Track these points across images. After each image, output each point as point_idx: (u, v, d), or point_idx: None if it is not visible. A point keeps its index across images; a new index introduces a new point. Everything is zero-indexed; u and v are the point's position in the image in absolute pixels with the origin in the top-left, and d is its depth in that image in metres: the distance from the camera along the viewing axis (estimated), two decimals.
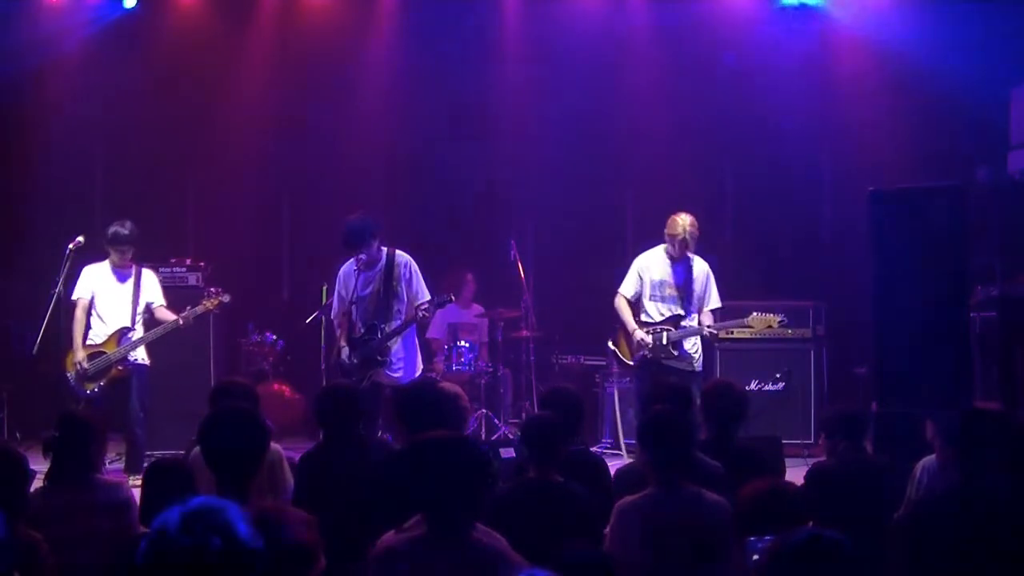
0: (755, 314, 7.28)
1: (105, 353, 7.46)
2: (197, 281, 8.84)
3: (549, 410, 4.70)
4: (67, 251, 7.45)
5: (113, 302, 7.58)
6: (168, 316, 7.68)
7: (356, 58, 10.11)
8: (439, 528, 3.18)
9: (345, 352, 7.18)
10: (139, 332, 7.58)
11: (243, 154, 10.07)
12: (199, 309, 7.58)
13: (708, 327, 7.26)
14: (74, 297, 7.56)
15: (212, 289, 7.90)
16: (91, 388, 7.45)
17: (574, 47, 9.87)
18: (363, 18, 10.20)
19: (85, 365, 7.43)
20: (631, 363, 7.48)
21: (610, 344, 7.72)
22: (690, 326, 7.30)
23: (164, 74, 9.90)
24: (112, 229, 7.55)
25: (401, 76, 10.18)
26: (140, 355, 7.61)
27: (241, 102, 9.97)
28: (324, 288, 8.57)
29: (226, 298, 7.62)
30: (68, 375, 7.50)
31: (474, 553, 3.14)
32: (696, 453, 4.55)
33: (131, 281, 7.62)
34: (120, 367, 7.47)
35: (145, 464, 7.47)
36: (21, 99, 9.70)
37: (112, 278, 7.62)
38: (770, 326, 7.28)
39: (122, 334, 7.48)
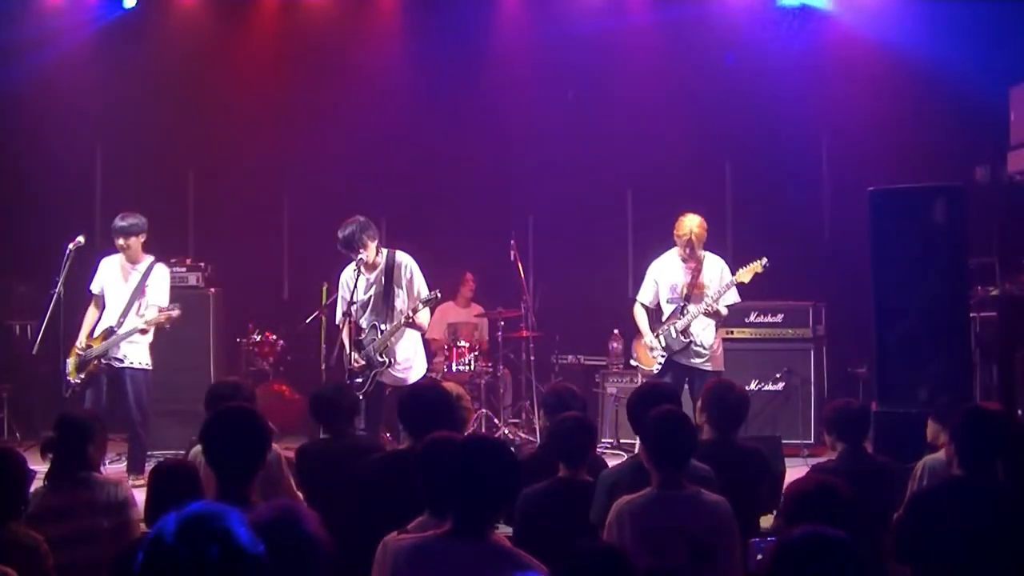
0: (740, 269, 7.24)
1: (91, 347, 7.44)
2: (197, 281, 8.85)
3: (555, 410, 4.75)
4: (67, 251, 7.43)
5: (114, 296, 7.54)
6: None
7: (356, 58, 10.11)
8: (465, 527, 3.19)
9: (352, 355, 7.18)
10: (124, 331, 7.48)
11: (243, 154, 10.08)
12: (152, 321, 7.44)
13: (705, 303, 7.23)
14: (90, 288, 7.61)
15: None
16: (74, 379, 7.42)
17: (574, 46, 9.87)
18: (363, 18, 10.20)
19: (81, 353, 7.41)
20: (654, 369, 7.46)
21: (632, 361, 7.78)
22: (692, 312, 7.27)
23: (164, 74, 9.90)
24: (114, 221, 7.55)
25: (401, 76, 10.18)
26: (137, 358, 7.48)
27: (241, 102, 9.97)
28: (324, 288, 8.57)
29: (175, 312, 7.48)
30: (68, 361, 7.47)
31: (496, 553, 3.17)
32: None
33: (137, 277, 7.55)
34: (96, 363, 7.41)
35: (148, 465, 7.52)
36: (21, 99, 9.70)
37: (119, 272, 7.58)
38: (757, 271, 7.20)
39: (108, 333, 7.46)
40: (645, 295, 7.55)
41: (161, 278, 7.64)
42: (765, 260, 7.16)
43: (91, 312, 7.58)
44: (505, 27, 10.23)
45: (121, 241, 7.49)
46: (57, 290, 7.48)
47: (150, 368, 7.59)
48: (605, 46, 9.95)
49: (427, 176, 10.37)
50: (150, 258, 7.63)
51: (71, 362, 7.46)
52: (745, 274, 7.21)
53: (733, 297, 7.37)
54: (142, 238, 7.57)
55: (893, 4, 9.35)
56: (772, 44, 9.55)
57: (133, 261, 7.57)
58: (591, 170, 10.13)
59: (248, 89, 10.01)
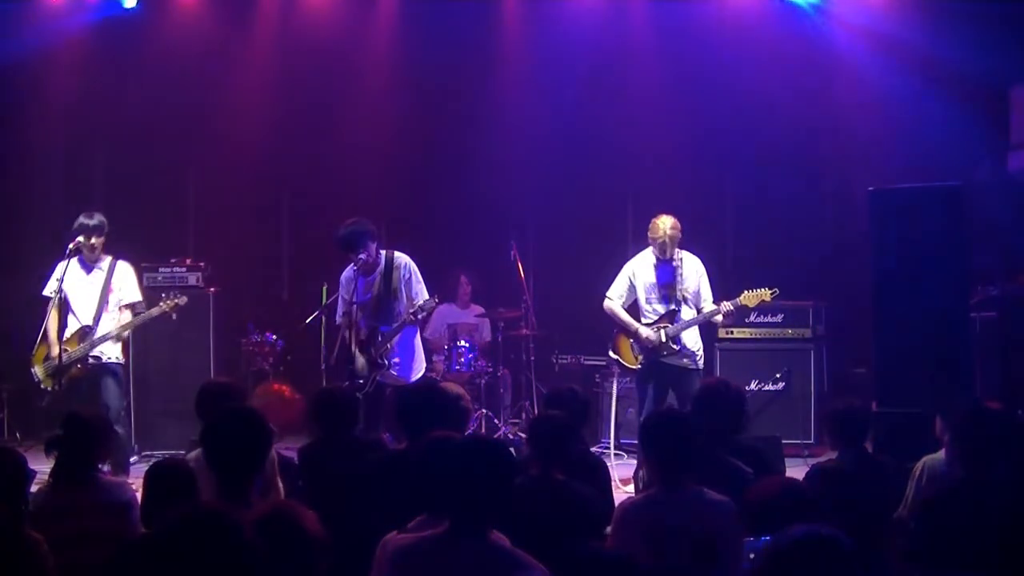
0: (746, 292, 7.28)
1: (67, 351, 7.34)
2: (197, 281, 8.86)
3: (557, 409, 4.74)
4: (67, 251, 7.42)
5: (82, 297, 7.44)
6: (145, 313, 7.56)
7: (356, 58, 10.11)
8: (462, 527, 3.19)
9: (354, 357, 7.18)
10: (103, 330, 7.42)
11: (243, 154, 10.07)
12: (154, 311, 7.44)
13: (705, 311, 7.27)
14: (44, 293, 7.40)
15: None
16: (49, 385, 7.28)
17: (574, 48, 9.86)
18: (363, 19, 10.19)
19: (63, 359, 7.26)
20: (636, 367, 7.47)
21: (611, 353, 7.72)
22: (685, 319, 7.31)
23: (164, 74, 9.89)
24: (78, 219, 7.42)
25: (401, 76, 10.17)
26: (114, 354, 7.45)
27: (241, 102, 9.97)
28: (324, 288, 8.57)
29: (182, 300, 7.45)
30: (33, 370, 7.39)
31: (494, 553, 3.17)
32: (726, 456, 4.55)
33: (101, 275, 7.47)
34: (79, 366, 7.34)
35: (131, 461, 7.51)
36: (21, 99, 9.70)
37: (81, 271, 7.45)
38: (764, 299, 7.26)
39: (83, 333, 7.39)
40: (616, 291, 7.52)
41: (130, 276, 7.59)
42: (776, 291, 7.21)
43: (53, 317, 7.30)
44: (506, 28, 10.22)
45: (94, 239, 7.36)
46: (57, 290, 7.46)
47: (123, 363, 7.58)
48: (606, 47, 9.94)
49: (427, 177, 10.36)
50: (109, 257, 7.55)
51: (39, 371, 7.34)
52: (751, 299, 7.24)
53: (709, 298, 7.40)
54: (104, 238, 7.50)
55: (894, 4, 9.34)
56: (772, 44, 9.54)
57: (94, 261, 7.50)
58: (592, 170, 10.12)
59: (248, 89, 10.01)
